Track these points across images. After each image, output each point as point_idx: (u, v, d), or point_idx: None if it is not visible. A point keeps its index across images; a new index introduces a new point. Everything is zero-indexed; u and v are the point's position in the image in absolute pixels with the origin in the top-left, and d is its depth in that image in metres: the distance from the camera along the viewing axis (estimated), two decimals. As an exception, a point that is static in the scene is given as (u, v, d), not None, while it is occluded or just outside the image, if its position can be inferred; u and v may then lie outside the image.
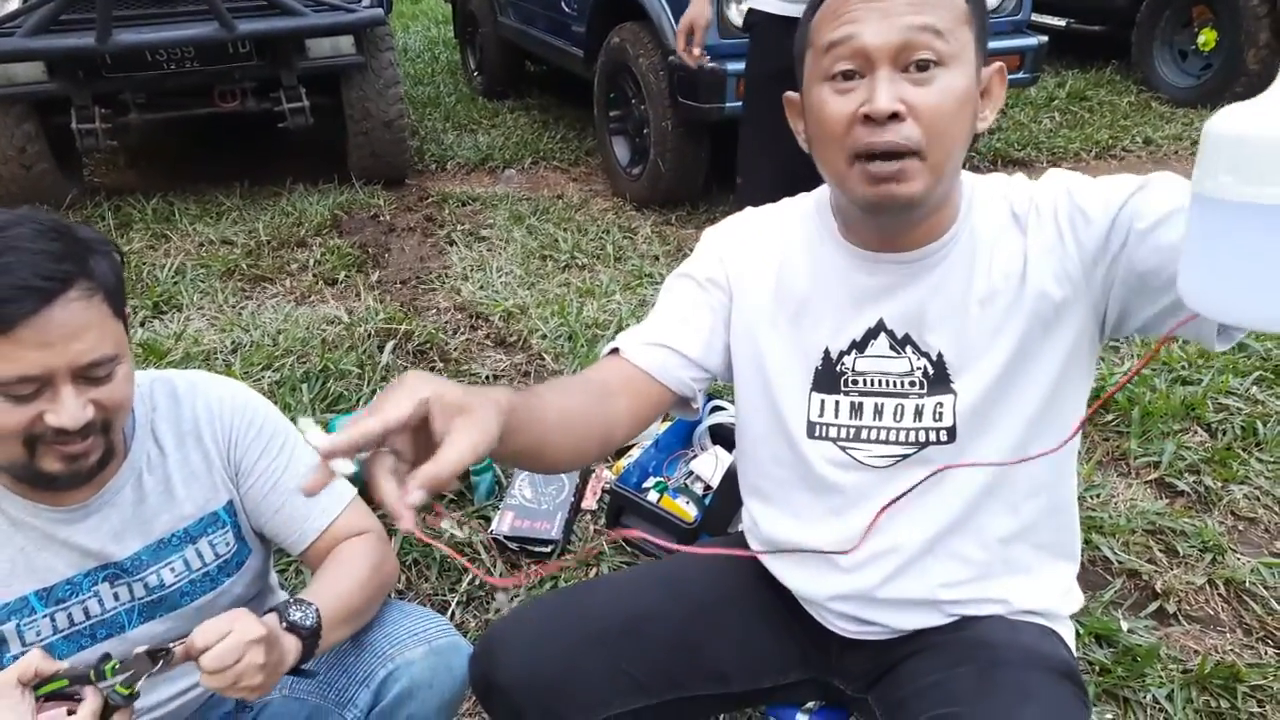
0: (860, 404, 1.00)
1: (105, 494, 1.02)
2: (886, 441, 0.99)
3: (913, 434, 0.98)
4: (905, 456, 0.99)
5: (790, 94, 1.00)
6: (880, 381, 0.99)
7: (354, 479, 0.72)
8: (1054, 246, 0.92)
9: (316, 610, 0.99)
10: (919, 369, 0.97)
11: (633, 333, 1.05)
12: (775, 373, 1.04)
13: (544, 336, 2.73)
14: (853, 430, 1.01)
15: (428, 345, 2.69)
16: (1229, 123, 0.61)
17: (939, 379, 0.97)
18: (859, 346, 1.00)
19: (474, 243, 3.56)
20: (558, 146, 4.71)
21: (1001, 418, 0.96)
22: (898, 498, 0.98)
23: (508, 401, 0.74)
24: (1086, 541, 1.88)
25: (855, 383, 1.00)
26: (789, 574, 1.10)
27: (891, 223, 0.94)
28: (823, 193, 1.04)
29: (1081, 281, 0.91)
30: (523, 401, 0.80)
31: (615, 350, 1.04)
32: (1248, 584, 1.78)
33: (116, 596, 1.04)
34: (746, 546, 1.15)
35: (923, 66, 0.85)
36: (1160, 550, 1.88)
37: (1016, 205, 0.95)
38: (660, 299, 1.09)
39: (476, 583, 1.82)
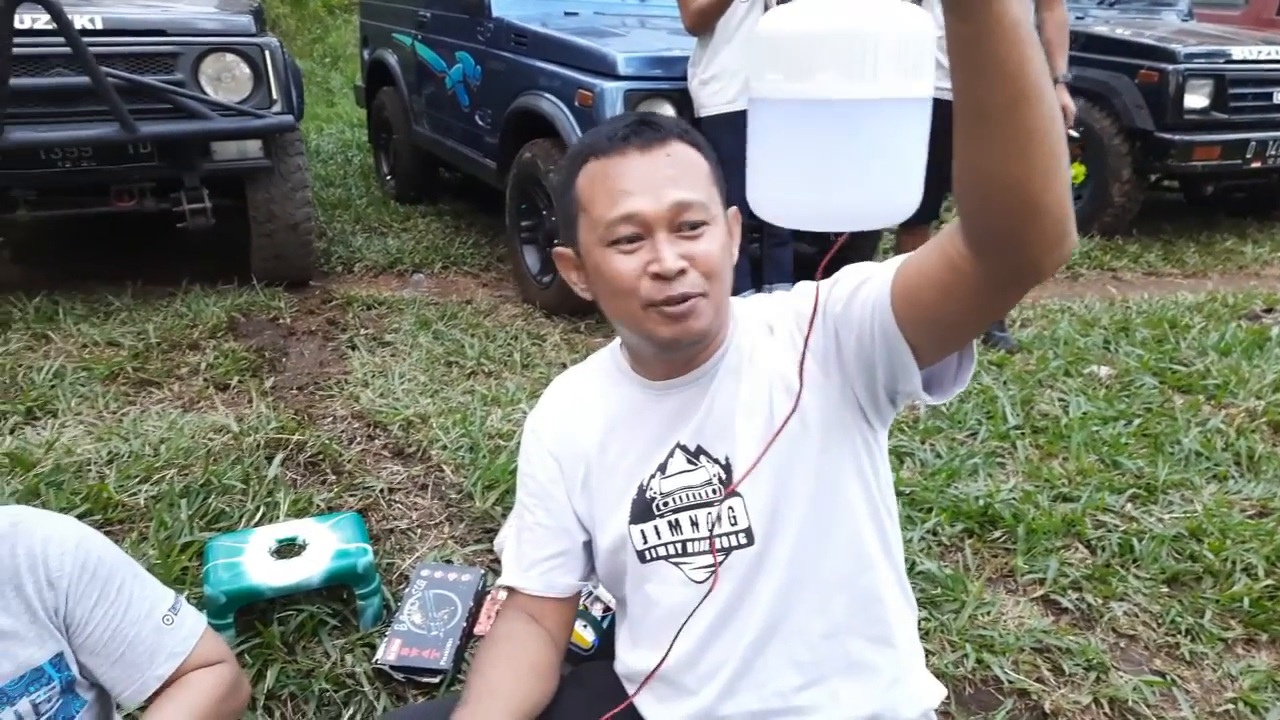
0: (676, 520, 1.09)
1: None
2: (704, 552, 1.07)
3: (720, 541, 1.06)
4: (719, 564, 1.06)
5: (560, 250, 1.10)
6: (685, 496, 1.08)
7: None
8: (790, 346, 1.05)
9: None
10: (714, 475, 1.07)
11: (512, 563, 1.19)
12: (602, 520, 1.13)
13: (444, 447, 2.67)
14: (679, 545, 1.09)
15: (320, 457, 2.60)
16: (773, 22, 0.61)
17: (729, 483, 1.06)
18: (662, 469, 1.10)
19: (377, 348, 3.50)
20: (469, 252, 4.73)
21: (789, 512, 1.04)
22: (695, 609, 1.06)
23: None
24: (978, 661, 1.91)
25: (666, 504, 1.09)
26: (651, 710, 1.13)
27: (682, 354, 1.06)
28: (616, 340, 1.18)
29: (819, 373, 1.02)
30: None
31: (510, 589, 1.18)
32: (1130, 702, 1.82)
33: None
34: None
35: (694, 226, 1.00)
36: (1048, 669, 1.92)
37: (771, 318, 1.09)
38: (516, 510, 1.21)
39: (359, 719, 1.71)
